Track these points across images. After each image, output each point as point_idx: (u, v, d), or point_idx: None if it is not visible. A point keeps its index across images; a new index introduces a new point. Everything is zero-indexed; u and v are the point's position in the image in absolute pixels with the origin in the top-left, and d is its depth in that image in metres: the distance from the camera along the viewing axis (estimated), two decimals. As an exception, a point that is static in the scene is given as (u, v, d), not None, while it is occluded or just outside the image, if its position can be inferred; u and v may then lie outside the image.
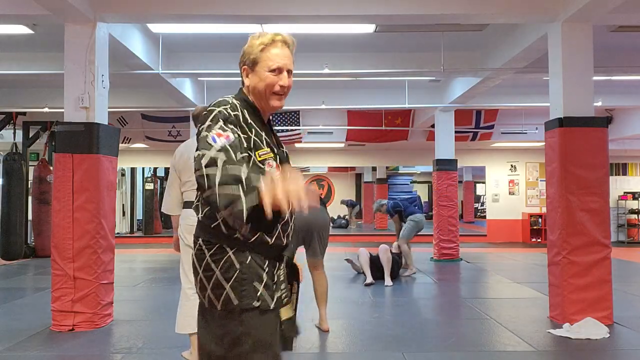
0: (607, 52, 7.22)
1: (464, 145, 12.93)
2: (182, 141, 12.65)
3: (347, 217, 20.32)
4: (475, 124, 12.05)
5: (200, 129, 1.69)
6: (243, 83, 1.88)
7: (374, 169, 21.69)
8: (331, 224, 5.08)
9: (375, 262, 7.20)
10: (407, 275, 7.70)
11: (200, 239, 1.73)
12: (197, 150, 1.62)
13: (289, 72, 1.85)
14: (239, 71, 1.88)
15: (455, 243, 9.77)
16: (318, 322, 4.68)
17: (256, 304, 1.67)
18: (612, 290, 4.86)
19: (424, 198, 25.38)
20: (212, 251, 1.70)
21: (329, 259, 10.09)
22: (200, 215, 1.75)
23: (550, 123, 5.09)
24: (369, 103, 10.02)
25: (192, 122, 9.69)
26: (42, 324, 4.82)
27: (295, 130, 12.46)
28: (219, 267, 1.68)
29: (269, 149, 1.79)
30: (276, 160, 1.81)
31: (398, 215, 8.08)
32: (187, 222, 3.75)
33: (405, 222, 7.90)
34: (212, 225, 1.71)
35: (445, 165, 9.82)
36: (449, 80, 9.13)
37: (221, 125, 1.66)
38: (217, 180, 1.51)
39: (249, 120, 1.77)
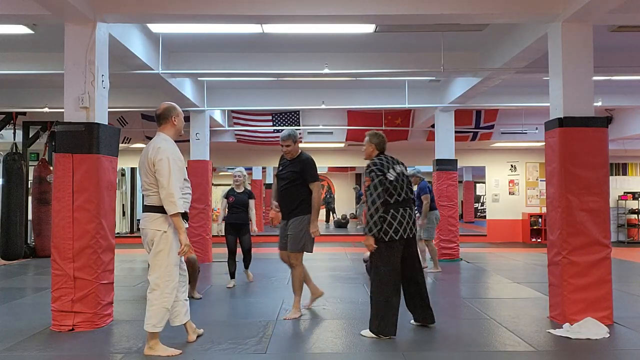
0: (607, 52, 7.21)
1: (464, 145, 12.93)
2: (183, 141, 12.53)
3: (353, 213, 20.00)
4: (475, 124, 12.04)
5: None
6: None
7: (374, 169, 21.63)
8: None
9: None
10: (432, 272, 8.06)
11: None
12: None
13: None
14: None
15: (455, 243, 9.78)
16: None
17: None
18: (612, 290, 4.86)
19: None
20: None
21: (329, 259, 10.08)
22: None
23: (550, 123, 5.09)
24: (369, 103, 10.02)
25: (191, 122, 9.68)
26: (42, 324, 4.82)
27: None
28: None
29: None
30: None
31: (430, 197, 8.16)
32: (150, 227, 3.90)
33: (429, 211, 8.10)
34: None
35: (445, 165, 9.83)
36: (449, 80, 9.13)
37: None
38: None
39: None
